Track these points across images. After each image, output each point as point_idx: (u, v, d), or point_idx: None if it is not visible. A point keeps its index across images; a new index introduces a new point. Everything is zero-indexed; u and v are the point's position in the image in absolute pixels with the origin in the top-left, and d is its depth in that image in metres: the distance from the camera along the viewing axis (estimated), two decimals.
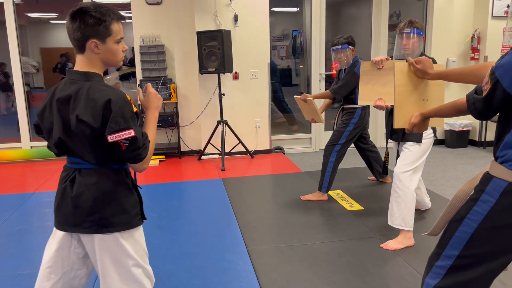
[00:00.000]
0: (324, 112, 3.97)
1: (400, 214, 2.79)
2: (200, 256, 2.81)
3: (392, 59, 2.81)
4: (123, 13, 1.57)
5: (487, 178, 1.41)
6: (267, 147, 5.74)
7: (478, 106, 1.40)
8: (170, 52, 5.51)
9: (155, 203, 3.91)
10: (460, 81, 1.90)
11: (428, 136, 2.83)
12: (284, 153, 5.78)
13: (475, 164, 5.02)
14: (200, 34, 4.98)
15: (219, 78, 5.13)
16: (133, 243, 1.58)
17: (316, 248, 2.88)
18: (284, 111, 7.11)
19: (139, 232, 1.62)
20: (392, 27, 5.97)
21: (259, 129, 5.67)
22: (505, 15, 5.51)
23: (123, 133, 1.45)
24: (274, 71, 7.08)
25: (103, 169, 1.54)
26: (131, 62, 7.30)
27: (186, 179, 4.70)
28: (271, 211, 3.66)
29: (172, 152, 5.57)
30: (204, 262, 2.71)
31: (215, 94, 5.31)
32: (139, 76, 5.51)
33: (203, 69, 5.05)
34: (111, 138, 1.45)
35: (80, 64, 1.53)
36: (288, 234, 3.12)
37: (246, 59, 5.43)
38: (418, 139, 2.80)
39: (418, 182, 3.21)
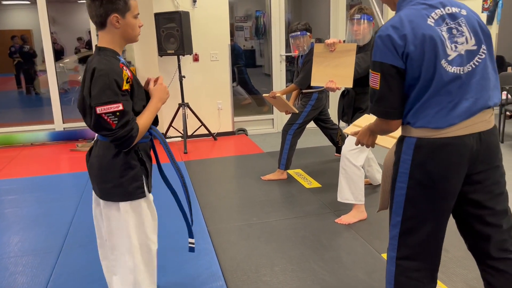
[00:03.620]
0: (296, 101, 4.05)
1: (349, 190, 2.93)
2: (160, 237, 2.83)
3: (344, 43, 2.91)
4: None
5: (400, 139, 1.54)
6: (230, 129, 5.78)
7: (386, 104, 1.46)
8: None
9: None
10: None
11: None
12: (247, 135, 5.85)
13: None
14: (157, 16, 4.91)
15: (178, 60, 5.09)
16: (134, 216, 1.70)
17: (273, 225, 2.98)
18: (252, 93, 7.15)
19: (141, 206, 1.72)
20: (353, 7, 6.06)
21: (222, 111, 5.69)
22: None
23: (98, 106, 1.54)
24: (240, 54, 7.09)
25: (104, 142, 1.66)
26: (89, 45, 7.11)
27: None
28: (232, 192, 3.74)
29: None
30: (164, 243, 2.73)
31: (176, 77, 5.28)
32: None
33: (162, 51, 5.00)
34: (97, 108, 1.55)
35: (101, 40, 1.65)
36: (247, 213, 3.21)
37: (206, 41, 5.40)
38: None
39: (370, 160, 3.38)
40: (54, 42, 5.77)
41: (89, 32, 5.90)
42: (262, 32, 7.85)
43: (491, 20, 6.21)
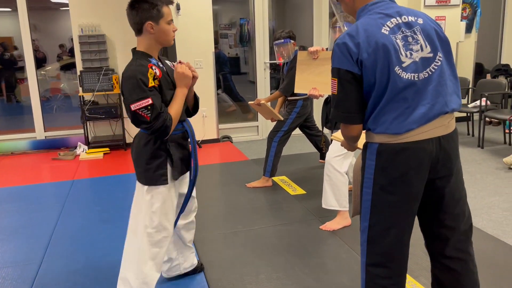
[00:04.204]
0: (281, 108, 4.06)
1: (333, 196, 2.94)
2: None
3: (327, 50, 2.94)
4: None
5: (364, 145, 1.57)
6: (214, 136, 5.77)
7: (343, 109, 1.50)
8: (112, 41, 5.36)
9: (99, 196, 3.86)
10: None
11: None
12: (231, 142, 5.84)
13: None
14: None
15: None
16: (156, 200, 1.90)
17: (259, 232, 2.97)
18: (237, 100, 7.15)
19: (165, 192, 1.92)
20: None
21: (206, 118, 5.68)
22: (437, 4, 5.83)
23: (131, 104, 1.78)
24: (225, 62, 7.10)
25: (139, 133, 1.95)
26: (71, 52, 7.03)
27: (132, 171, 4.63)
28: (217, 199, 3.72)
29: (117, 144, 5.46)
30: None
31: None
32: (79, 67, 5.33)
33: None
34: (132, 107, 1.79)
35: (138, 44, 1.89)
36: (232, 220, 3.20)
37: (190, 48, 5.40)
38: None
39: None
40: (36, 50, 5.69)
41: (71, 39, 5.82)
42: (246, 39, 7.86)
43: (470, 28, 6.35)
